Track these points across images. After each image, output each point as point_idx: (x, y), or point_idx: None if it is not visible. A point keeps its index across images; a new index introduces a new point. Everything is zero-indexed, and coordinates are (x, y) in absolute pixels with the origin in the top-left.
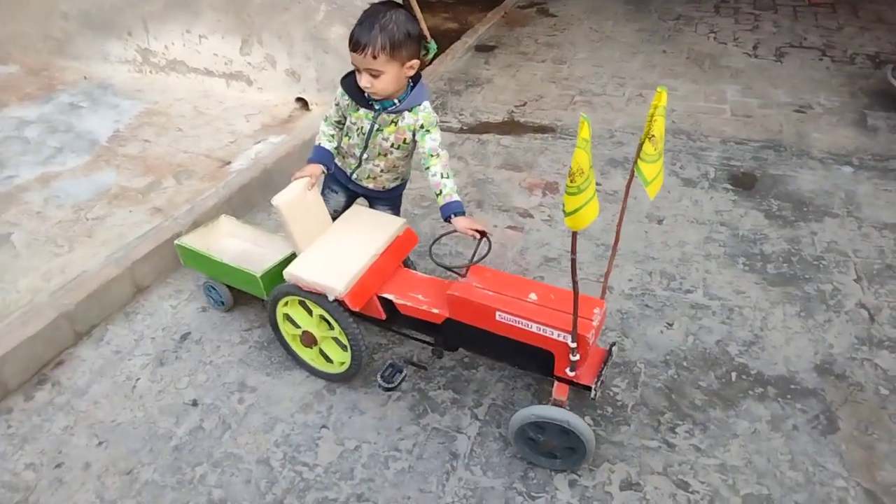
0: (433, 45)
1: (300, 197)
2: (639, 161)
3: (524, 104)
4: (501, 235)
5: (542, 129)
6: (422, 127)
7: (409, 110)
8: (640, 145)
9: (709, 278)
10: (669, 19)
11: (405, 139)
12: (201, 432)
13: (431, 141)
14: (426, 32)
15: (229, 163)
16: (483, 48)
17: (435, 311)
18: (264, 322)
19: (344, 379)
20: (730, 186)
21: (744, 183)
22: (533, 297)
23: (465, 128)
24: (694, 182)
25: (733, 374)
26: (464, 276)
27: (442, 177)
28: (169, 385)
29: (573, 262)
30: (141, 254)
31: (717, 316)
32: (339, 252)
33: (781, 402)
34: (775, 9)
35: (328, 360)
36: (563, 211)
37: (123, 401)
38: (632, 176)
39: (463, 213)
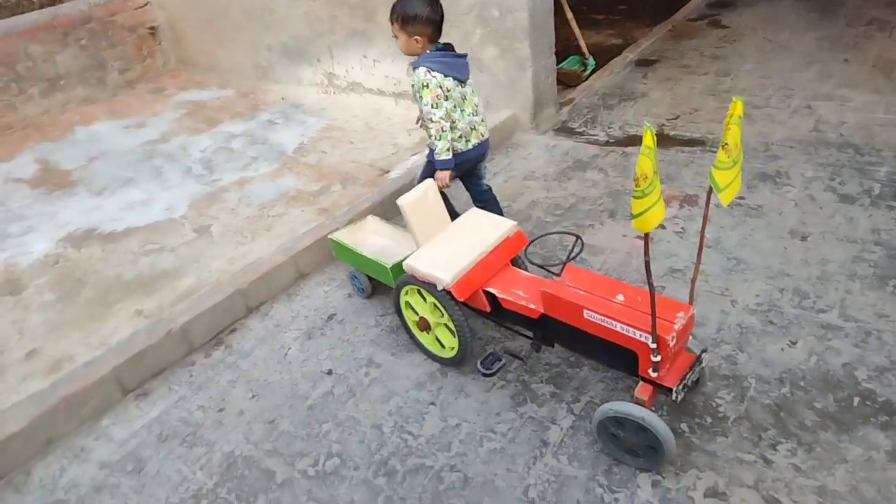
0: (591, 62)
1: (422, 199)
2: (713, 168)
3: (677, 117)
4: (629, 245)
5: (691, 143)
6: (417, 91)
7: (414, 70)
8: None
9: (848, 299)
10: (859, 25)
11: (414, 94)
12: (331, 397)
13: (424, 105)
14: (584, 49)
15: (388, 171)
16: (644, 62)
17: (532, 306)
18: (393, 307)
19: (454, 363)
20: (895, 204)
21: None
22: (620, 297)
23: (611, 140)
24: (853, 198)
25: (856, 399)
26: (559, 275)
27: (435, 138)
28: (312, 356)
29: (647, 264)
30: (304, 245)
31: (849, 338)
32: (451, 248)
33: None
34: None
35: (442, 345)
36: (631, 214)
37: (276, 365)
38: (711, 188)
39: (447, 170)
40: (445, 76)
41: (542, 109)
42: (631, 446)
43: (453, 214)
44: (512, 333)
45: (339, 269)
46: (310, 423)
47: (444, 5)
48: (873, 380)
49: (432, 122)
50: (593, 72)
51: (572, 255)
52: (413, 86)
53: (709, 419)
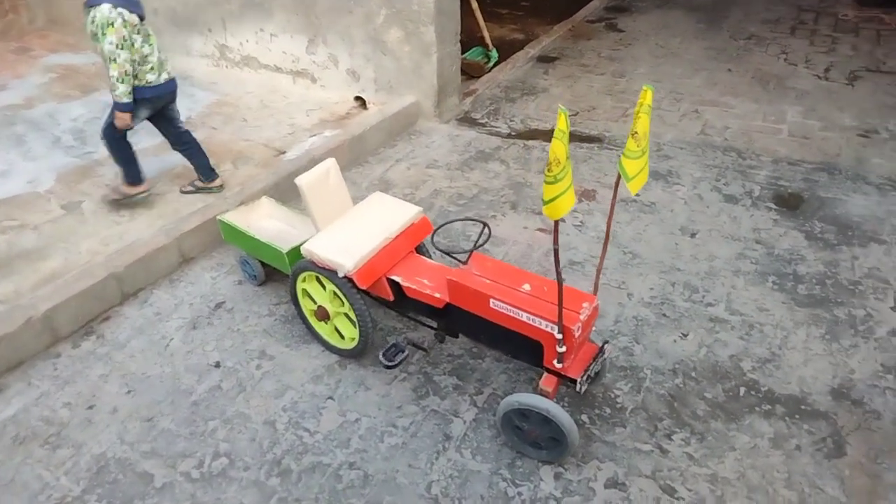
0: (494, 54)
1: (322, 179)
2: (622, 157)
3: (576, 114)
4: (531, 237)
5: (589, 139)
6: (100, 28)
7: (94, 6)
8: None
9: (734, 294)
10: (741, 38)
11: (94, 33)
12: (219, 391)
13: (108, 45)
14: (488, 41)
15: (284, 152)
16: (545, 59)
17: (437, 295)
18: (289, 295)
19: (354, 355)
20: (773, 206)
21: (789, 203)
22: (527, 287)
23: (512, 133)
24: (736, 199)
25: (742, 389)
26: (465, 263)
27: (116, 80)
28: (197, 347)
29: (556, 252)
30: (189, 227)
31: (735, 331)
32: (353, 233)
33: (788, 421)
34: (856, 32)
35: (341, 336)
36: (542, 200)
37: (156, 357)
38: (619, 178)
39: (128, 112)
40: (131, 12)
41: (446, 98)
42: (535, 438)
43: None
44: (414, 323)
45: (229, 254)
46: (194, 421)
47: None
48: (756, 370)
49: (116, 63)
50: (496, 64)
51: (479, 243)
52: (93, 24)
53: (608, 410)
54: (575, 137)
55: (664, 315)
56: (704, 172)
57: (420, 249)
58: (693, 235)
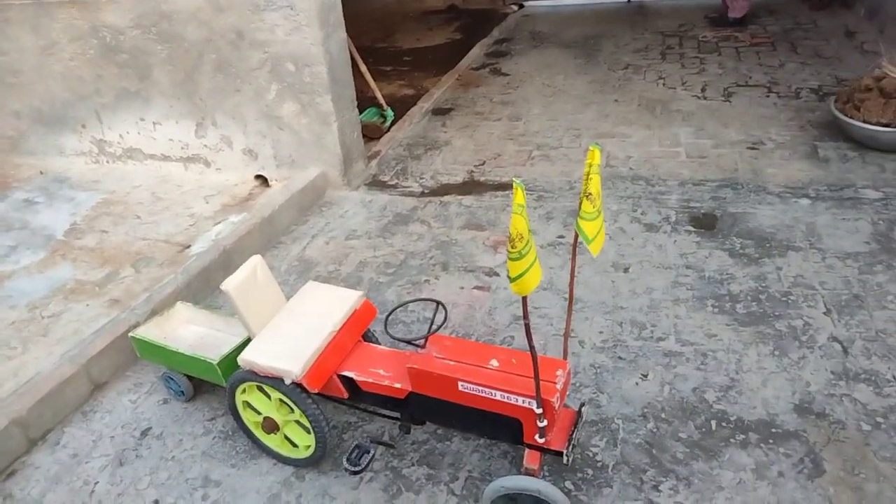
0: (390, 113)
1: (250, 279)
2: (579, 220)
3: (483, 163)
4: (469, 296)
5: (502, 187)
6: None
7: None
8: (580, 204)
9: (679, 324)
10: (619, 69)
11: None
12: None
13: None
14: (381, 100)
15: (189, 246)
16: (440, 111)
17: (397, 385)
18: (228, 410)
19: (312, 463)
20: (692, 228)
21: (705, 223)
22: (494, 363)
23: (426, 191)
24: (656, 227)
25: (713, 423)
26: (423, 347)
27: None
28: (129, 486)
29: (527, 326)
30: (97, 349)
31: (691, 362)
32: (294, 332)
33: (764, 447)
34: (718, 51)
35: (293, 444)
36: (508, 277)
37: None
38: (577, 235)
39: None
40: None
41: (352, 164)
42: None
43: None
44: (369, 414)
45: (148, 370)
46: None
47: (232, 62)
48: (721, 400)
49: None
50: (393, 123)
51: (435, 325)
52: None
53: (590, 471)
54: (488, 186)
55: (620, 358)
56: (620, 205)
57: (367, 336)
58: (626, 270)
